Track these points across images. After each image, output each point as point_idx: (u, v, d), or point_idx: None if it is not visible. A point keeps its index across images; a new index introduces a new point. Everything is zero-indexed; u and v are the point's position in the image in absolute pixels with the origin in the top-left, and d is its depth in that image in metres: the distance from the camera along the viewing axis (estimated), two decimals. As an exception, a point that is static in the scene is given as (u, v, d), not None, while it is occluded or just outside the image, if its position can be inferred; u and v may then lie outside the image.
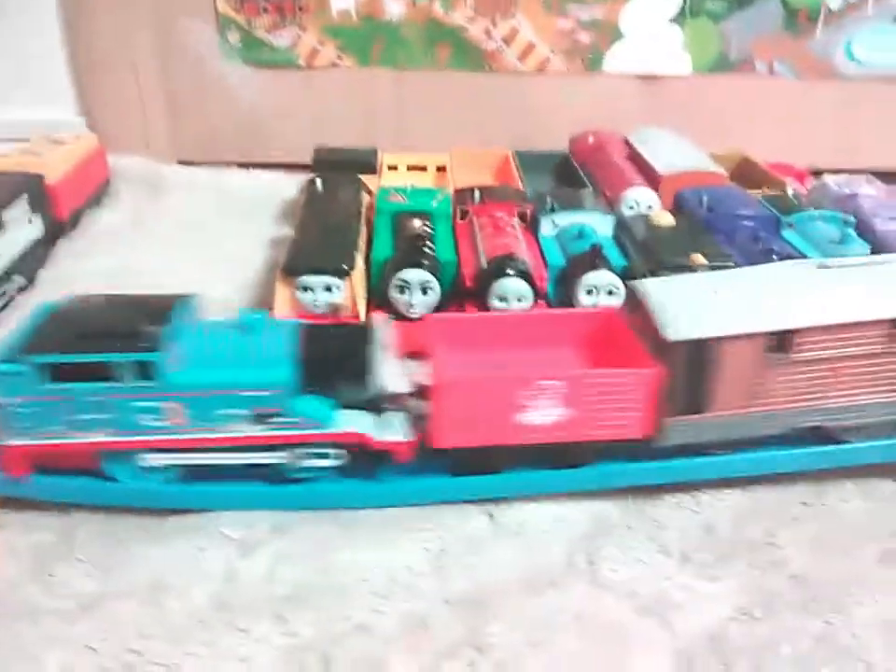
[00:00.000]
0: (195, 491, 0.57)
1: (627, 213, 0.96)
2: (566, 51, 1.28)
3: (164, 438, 0.54)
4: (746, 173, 1.20)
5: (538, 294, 0.77)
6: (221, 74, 1.28)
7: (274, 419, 0.54)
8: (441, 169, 1.12)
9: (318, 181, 0.92)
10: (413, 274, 0.74)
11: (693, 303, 0.56)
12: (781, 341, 0.54)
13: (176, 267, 0.94)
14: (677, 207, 0.97)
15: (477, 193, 0.90)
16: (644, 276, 0.75)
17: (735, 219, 0.88)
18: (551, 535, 0.55)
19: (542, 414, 0.55)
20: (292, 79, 1.29)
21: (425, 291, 0.75)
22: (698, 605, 0.50)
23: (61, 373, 0.51)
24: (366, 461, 0.56)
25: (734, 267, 0.76)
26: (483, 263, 0.77)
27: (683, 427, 0.56)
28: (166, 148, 1.31)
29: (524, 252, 0.80)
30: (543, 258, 0.83)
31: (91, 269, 0.93)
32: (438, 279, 0.76)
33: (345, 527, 0.55)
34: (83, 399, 0.52)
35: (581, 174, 1.09)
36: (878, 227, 0.88)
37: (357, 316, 0.75)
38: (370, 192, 0.96)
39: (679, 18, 1.27)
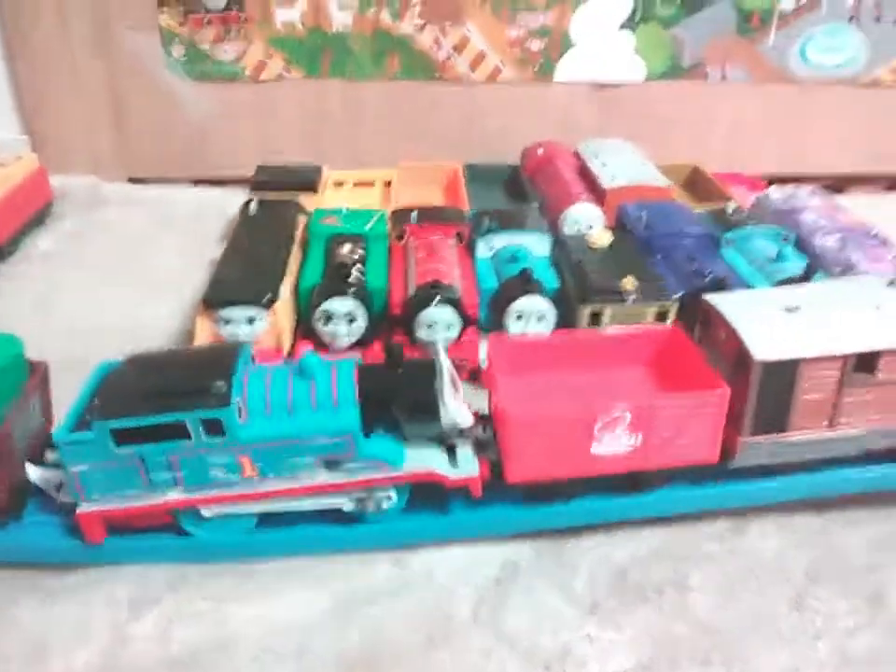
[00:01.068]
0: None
1: (570, 230, 0.95)
2: (517, 60, 1.26)
3: (238, 492, 0.53)
4: (696, 184, 1.19)
5: (468, 321, 0.76)
6: (168, 89, 1.25)
7: (346, 465, 0.53)
8: (389, 185, 1.11)
9: (252, 203, 0.91)
10: (338, 305, 0.72)
11: (773, 322, 0.55)
12: (866, 361, 0.54)
13: (112, 290, 0.93)
14: (619, 223, 0.96)
15: (414, 214, 0.88)
16: (577, 301, 0.76)
17: (671, 238, 0.87)
18: (458, 583, 0.54)
19: (614, 443, 0.54)
20: (239, 93, 1.26)
21: (351, 321, 0.73)
22: (600, 658, 0.49)
23: (130, 436, 0.50)
24: (435, 495, 0.56)
25: (664, 293, 0.75)
26: (411, 290, 0.75)
27: (761, 448, 0.56)
28: (115, 167, 1.29)
29: (455, 277, 0.79)
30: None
31: (22, 291, 0.91)
32: (366, 307, 0.75)
33: (244, 580, 0.54)
34: (154, 460, 0.51)
35: (529, 188, 1.08)
36: (817, 242, 0.87)
37: (279, 349, 0.74)
38: (308, 214, 0.94)
39: (630, 24, 1.25)
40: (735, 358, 0.55)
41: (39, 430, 0.58)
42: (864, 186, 1.50)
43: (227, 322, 0.71)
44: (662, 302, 0.75)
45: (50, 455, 0.56)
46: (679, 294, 0.77)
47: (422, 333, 0.73)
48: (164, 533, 0.55)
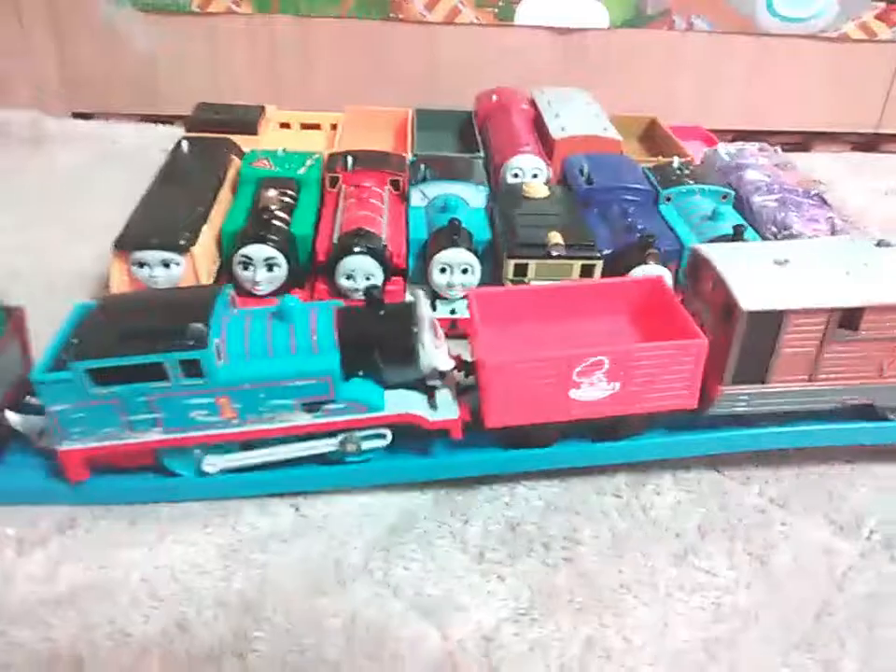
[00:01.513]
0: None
1: (511, 180, 0.94)
2: (476, 1, 1.22)
3: (218, 432, 0.53)
4: (653, 137, 1.17)
5: (392, 271, 0.75)
6: (112, 21, 1.21)
7: (325, 406, 0.54)
8: (336, 127, 1.08)
9: (185, 144, 0.88)
10: (256, 250, 0.71)
11: (761, 273, 0.55)
12: (851, 317, 0.54)
13: (39, 231, 0.91)
14: (563, 175, 0.94)
15: (350, 159, 0.86)
16: (502, 254, 0.75)
17: (609, 192, 0.86)
18: (354, 529, 0.55)
19: (592, 389, 0.55)
20: (187, 26, 1.22)
21: (270, 268, 0.72)
22: (479, 606, 0.50)
23: (108, 376, 0.50)
24: (416, 438, 0.57)
25: (591, 248, 0.74)
26: (335, 238, 0.74)
27: (740, 396, 0.57)
28: (58, 101, 1.25)
29: (383, 225, 0.78)
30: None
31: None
32: (289, 254, 0.73)
33: (136, 523, 0.54)
34: (133, 400, 0.51)
35: (478, 136, 1.05)
36: (755, 202, 0.86)
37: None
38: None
39: (592, -32, 1.21)
40: (721, 308, 0.55)
41: (18, 376, 0.57)
42: (831, 143, 1.49)
43: (141, 265, 0.70)
44: (587, 258, 0.74)
45: (29, 400, 0.56)
46: (609, 251, 0.77)
47: (342, 282, 0.72)
48: (145, 473, 0.56)
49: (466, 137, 1.10)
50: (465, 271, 0.74)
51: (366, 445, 0.56)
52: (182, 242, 0.69)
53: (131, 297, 0.57)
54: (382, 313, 0.55)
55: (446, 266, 0.74)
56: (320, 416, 0.54)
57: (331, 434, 0.55)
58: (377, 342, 0.54)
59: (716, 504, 0.58)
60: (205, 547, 0.53)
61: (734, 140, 1.46)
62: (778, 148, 1.47)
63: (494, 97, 1.14)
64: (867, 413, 0.60)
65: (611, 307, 0.63)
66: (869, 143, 1.49)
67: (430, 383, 0.56)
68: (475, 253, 0.75)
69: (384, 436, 0.56)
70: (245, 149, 0.91)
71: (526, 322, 0.61)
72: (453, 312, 0.75)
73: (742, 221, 0.80)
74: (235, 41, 1.24)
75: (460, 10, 1.23)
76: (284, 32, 1.23)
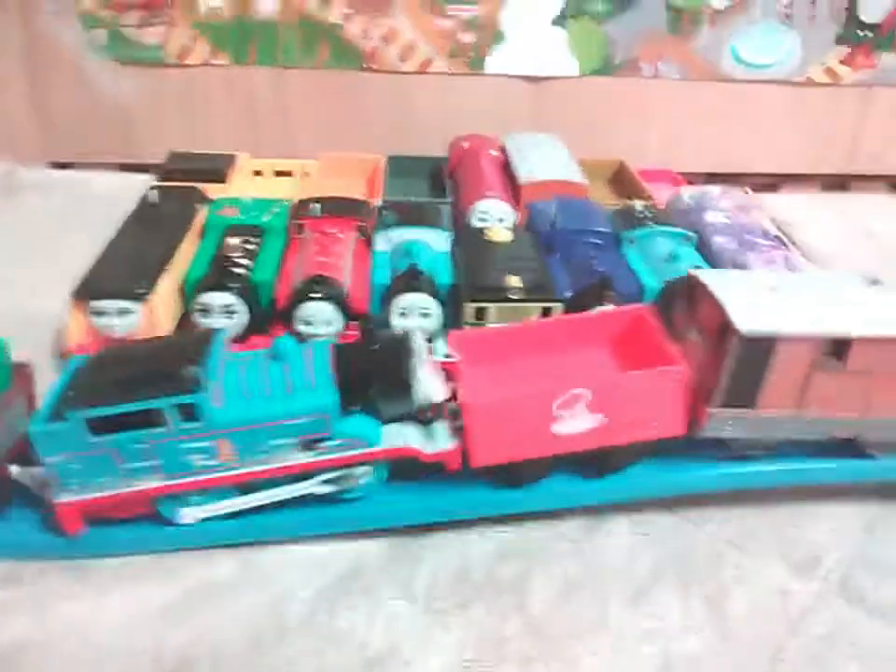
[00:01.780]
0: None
1: (478, 225, 0.95)
2: (448, 52, 1.25)
3: (217, 476, 0.53)
4: (621, 181, 1.19)
5: (352, 317, 0.75)
6: (91, 73, 1.23)
7: (322, 444, 0.54)
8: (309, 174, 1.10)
9: (152, 193, 0.89)
10: (213, 298, 0.72)
11: (756, 299, 0.56)
12: (839, 348, 0.55)
13: (9, 278, 0.91)
14: (530, 219, 0.96)
15: (316, 206, 0.87)
16: (462, 298, 0.75)
17: (572, 235, 0.87)
18: (301, 580, 0.54)
19: (575, 422, 0.55)
20: (165, 78, 1.25)
21: (229, 315, 0.73)
22: (424, 659, 0.49)
23: (105, 425, 0.50)
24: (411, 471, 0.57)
25: (550, 291, 0.75)
26: (295, 284, 0.75)
27: (728, 421, 0.57)
28: (36, 151, 1.26)
29: (345, 271, 0.78)
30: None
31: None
32: (250, 301, 0.74)
33: (79, 578, 0.53)
34: (131, 448, 0.51)
35: (447, 182, 1.07)
36: (714, 243, 0.87)
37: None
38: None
39: (561, 19, 1.24)
40: (716, 331, 0.56)
41: (24, 430, 0.56)
42: (802, 184, 1.51)
43: (99, 314, 0.70)
44: (546, 301, 0.74)
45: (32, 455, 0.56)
46: (569, 293, 0.78)
47: (301, 328, 0.72)
48: (145, 523, 0.55)
49: (438, 183, 1.12)
50: (424, 315, 0.74)
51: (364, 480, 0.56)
52: (139, 290, 0.70)
53: (127, 347, 0.58)
54: (377, 347, 0.56)
55: (405, 310, 0.74)
56: (318, 454, 0.54)
57: (319, 473, 0.55)
58: (373, 376, 0.55)
59: (670, 546, 0.58)
60: (147, 602, 0.52)
61: (706, 182, 1.49)
62: (748, 189, 1.50)
63: (465, 144, 1.16)
64: (843, 449, 0.60)
65: (594, 339, 0.63)
66: (840, 183, 1.51)
67: (426, 415, 0.57)
68: (437, 297, 0.76)
69: (376, 471, 0.56)
70: (215, 198, 0.92)
71: (510, 360, 0.62)
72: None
73: (700, 262, 0.81)
74: (213, 92, 1.26)
75: (432, 60, 1.26)
76: (261, 82, 1.26)
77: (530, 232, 0.89)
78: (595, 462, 0.59)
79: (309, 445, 0.54)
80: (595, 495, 0.60)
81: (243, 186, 1.03)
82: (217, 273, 0.73)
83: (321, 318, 0.72)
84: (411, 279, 0.75)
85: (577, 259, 0.83)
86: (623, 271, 0.82)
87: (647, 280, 0.81)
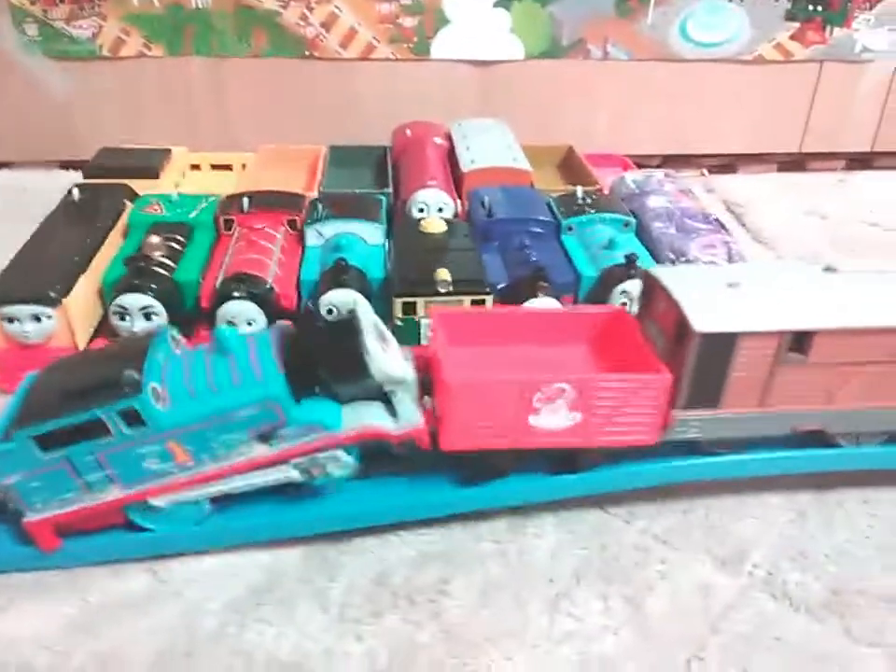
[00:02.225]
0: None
1: (417, 216, 0.92)
2: (390, 37, 1.22)
3: (177, 479, 0.51)
4: (570, 165, 1.17)
5: (279, 315, 0.73)
6: (25, 68, 1.19)
7: (279, 433, 0.51)
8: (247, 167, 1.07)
9: (75, 191, 0.86)
10: (131, 300, 0.69)
11: (714, 296, 0.55)
12: (800, 341, 0.54)
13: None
14: (469, 209, 0.94)
15: (245, 200, 0.85)
16: (390, 292, 0.73)
17: (509, 225, 0.85)
18: (213, 592, 0.52)
19: (554, 417, 0.53)
20: (100, 72, 1.21)
21: (148, 317, 0.70)
22: (333, 670, 0.47)
23: (53, 440, 0.48)
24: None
25: (480, 283, 0.73)
26: (217, 283, 0.72)
27: (692, 423, 0.55)
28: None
29: (270, 268, 0.76)
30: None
31: None
32: (170, 302, 0.71)
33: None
34: (82, 460, 0.49)
35: (389, 171, 1.05)
36: (654, 228, 0.86)
37: (75, 347, 0.70)
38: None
39: (505, 1, 1.21)
40: (674, 331, 0.54)
41: None
42: (758, 164, 1.50)
43: (10, 320, 0.67)
44: (476, 293, 0.72)
45: None
46: (503, 284, 0.76)
47: (223, 328, 0.70)
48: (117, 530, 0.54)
49: (382, 173, 1.09)
50: (352, 312, 0.72)
51: (332, 468, 0.53)
52: (52, 294, 0.67)
53: (74, 357, 0.56)
54: (322, 325, 0.53)
55: (333, 307, 0.72)
56: (276, 444, 0.52)
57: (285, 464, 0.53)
58: (321, 357, 0.52)
59: (596, 545, 0.57)
60: (50, 618, 0.50)
61: (662, 165, 1.48)
62: (705, 171, 1.49)
63: (408, 132, 1.14)
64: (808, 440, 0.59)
65: (574, 335, 0.61)
66: (796, 162, 1.50)
67: (388, 389, 0.53)
68: (366, 292, 0.73)
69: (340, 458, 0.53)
70: (146, 194, 0.89)
71: (489, 345, 0.60)
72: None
73: (634, 249, 0.80)
74: (149, 85, 1.22)
75: (375, 46, 1.23)
76: (198, 73, 1.22)
77: (467, 222, 0.88)
78: (563, 461, 0.57)
79: (265, 437, 0.51)
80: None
81: (177, 181, 1.01)
82: (135, 274, 0.70)
83: (244, 318, 0.70)
84: (339, 274, 0.73)
85: (512, 249, 0.82)
86: (558, 260, 0.80)
87: (583, 269, 0.79)
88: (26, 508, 0.51)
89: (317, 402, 0.53)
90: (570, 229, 0.86)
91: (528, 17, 1.23)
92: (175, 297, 0.72)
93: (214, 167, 1.09)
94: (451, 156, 1.09)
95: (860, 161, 1.51)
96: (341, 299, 0.72)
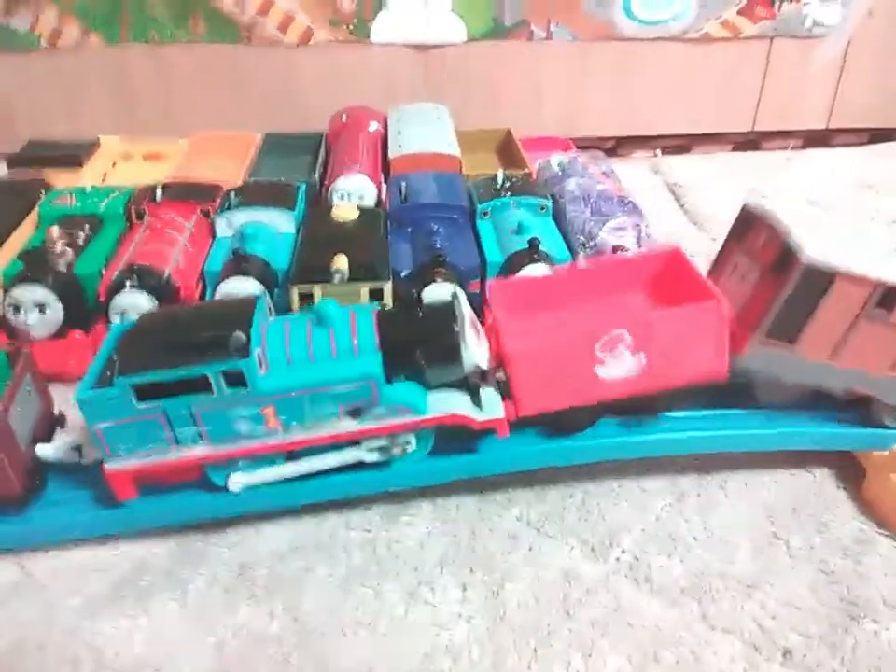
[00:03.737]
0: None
1: (338, 203, 0.92)
2: (328, 21, 1.21)
3: (264, 443, 0.52)
4: (507, 150, 1.16)
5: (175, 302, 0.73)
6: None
7: (369, 411, 0.52)
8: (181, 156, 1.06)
9: (-10, 184, 0.86)
10: (23, 293, 0.69)
11: (821, 232, 0.55)
12: (889, 297, 0.54)
13: None
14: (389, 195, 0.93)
15: (159, 191, 0.85)
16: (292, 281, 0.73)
17: (420, 211, 0.84)
18: (77, 586, 0.53)
19: (618, 365, 0.54)
20: (40, 63, 1.20)
21: (42, 310, 0.70)
22: (180, 664, 0.47)
23: (151, 391, 0.49)
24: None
25: (377, 271, 0.72)
26: (114, 275, 0.72)
27: (767, 356, 0.56)
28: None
29: (172, 259, 0.76)
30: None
31: None
32: (65, 294, 0.71)
33: None
34: (177, 414, 0.50)
35: (320, 158, 1.04)
36: (569, 211, 0.85)
37: (-31, 342, 0.70)
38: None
39: (442, -18, 1.20)
40: (773, 260, 0.55)
41: (41, 412, 0.57)
42: (713, 144, 1.48)
43: None
44: (374, 281, 0.72)
45: (60, 434, 0.57)
46: (407, 271, 0.76)
47: (117, 321, 0.70)
48: (190, 489, 0.55)
49: (315, 161, 1.09)
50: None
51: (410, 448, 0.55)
52: (-58, 289, 0.67)
53: (169, 312, 0.58)
54: (422, 313, 0.55)
55: (228, 295, 0.72)
56: (365, 421, 0.53)
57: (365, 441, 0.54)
58: (419, 343, 0.53)
59: (468, 531, 0.57)
60: None
61: (615, 147, 1.46)
62: (658, 152, 1.48)
63: (343, 118, 1.13)
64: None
65: (631, 283, 0.61)
66: (752, 141, 1.48)
67: (473, 381, 0.55)
68: (267, 281, 0.73)
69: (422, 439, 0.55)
70: (70, 185, 0.89)
71: (548, 308, 0.60)
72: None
73: (544, 233, 0.79)
74: (89, 74, 1.22)
75: (313, 30, 1.22)
76: (137, 61, 1.22)
77: (381, 209, 0.87)
78: (638, 410, 0.58)
79: (355, 413, 0.53)
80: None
81: (106, 171, 1.01)
82: (30, 267, 0.70)
83: (137, 310, 0.70)
84: (239, 263, 0.73)
85: (422, 235, 0.81)
86: (466, 246, 0.80)
87: (490, 254, 0.79)
88: (109, 455, 0.51)
89: (407, 385, 0.54)
90: (486, 214, 0.86)
91: (468, -2, 1.22)
92: (73, 289, 0.72)
93: (146, 156, 1.08)
94: (386, 142, 1.08)
95: (817, 139, 1.49)
96: (239, 287, 0.72)
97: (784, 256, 0.54)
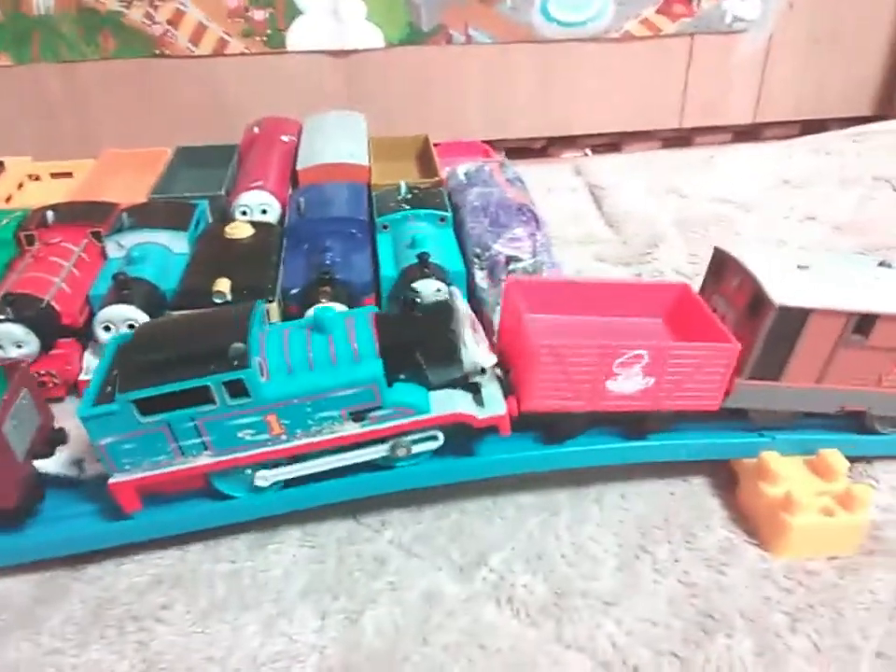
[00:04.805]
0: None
1: (241, 219, 0.91)
2: (241, 31, 1.20)
3: (268, 450, 0.53)
4: (424, 157, 1.15)
5: (64, 332, 0.72)
6: None
7: (372, 414, 0.53)
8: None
9: None
10: None
11: (787, 275, 0.58)
12: (864, 324, 0.57)
13: None
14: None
15: (50, 214, 0.83)
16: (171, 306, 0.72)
17: (317, 225, 0.83)
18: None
19: (628, 382, 0.56)
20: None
21: None
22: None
23: (154, 404, 0.50)
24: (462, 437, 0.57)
25: (261, 292, 0.71)
26: (-7, 306, 0.71)
27: (755, 392, 0.59)
28: None
29: (54, 286, 0.74)
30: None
31: None
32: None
33: None
34: (181, 426, 0.51)
35: (229, 173, 1.03)
36: (467, 222, 0.84)
37: None
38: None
39: (356, -11, 1.19)
40: (748, 304, 0.58)
41: (40, 426, 0.57)
42: (644, 142, 1.48)
43: None
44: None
45: (60, 449, 0.57)
46: (297, 289, 0.75)
47: (-6, 352, 0.69)
48: (196, 499, 0.56)
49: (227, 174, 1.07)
50: (130, 326, 0.71)
51: (417, 448, 0.56)
52: None
53: (165, 323, 0.58)
54: (420, 314, 0.55)
55: (109, 324, 0.70)
56: (368, 424, 0.53)
57: (380, 441, 0.55)
58: (419, 344, 0.54)
59: (335, 558, 0.56)
60: None
61: (544, 148, 1.46)
62: (588, 151, 1.47)
63: (255, 129, 1.12)
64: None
65: (644, 307, 0.65)
66: (683, 138, 1.49)
67: (474, 380, 0.56)
68: (154, 306, 0.72)
69: (435, 437, 0.55)
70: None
71: (562, 313, 0.63)
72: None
73: (440, 246, 0.79)
74: (2, 96, 1.20)
75: (227, 41, 1.21)
76: (49, 80, 1.20)
77: (278, 225, 0.86)
78: (632, 425, 0.60)
79: (358, 416, 0.53)
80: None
81: (7, 194, 0.99)
82: None
83: (9, 340, 0.68)
84: (120, 289, 0.72)
85: (317, 251, 0.80)
86: (360, 261, 0.79)
87: (385, 269, 0.78)
88: (114, 469, 0.52)
89: (407, 385, 0.55)
90: (385, 227, 0.85)
91: (383, 3, 1.21)
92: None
93: (54, 176, 1.07)
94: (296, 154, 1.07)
95: (747, 133, 1.50)
96: (117, 314, 0.70)
97: (756, 300, 0.57)
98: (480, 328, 0.56)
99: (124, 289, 0.72)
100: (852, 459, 0.60)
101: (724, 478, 0.62)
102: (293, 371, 0.52)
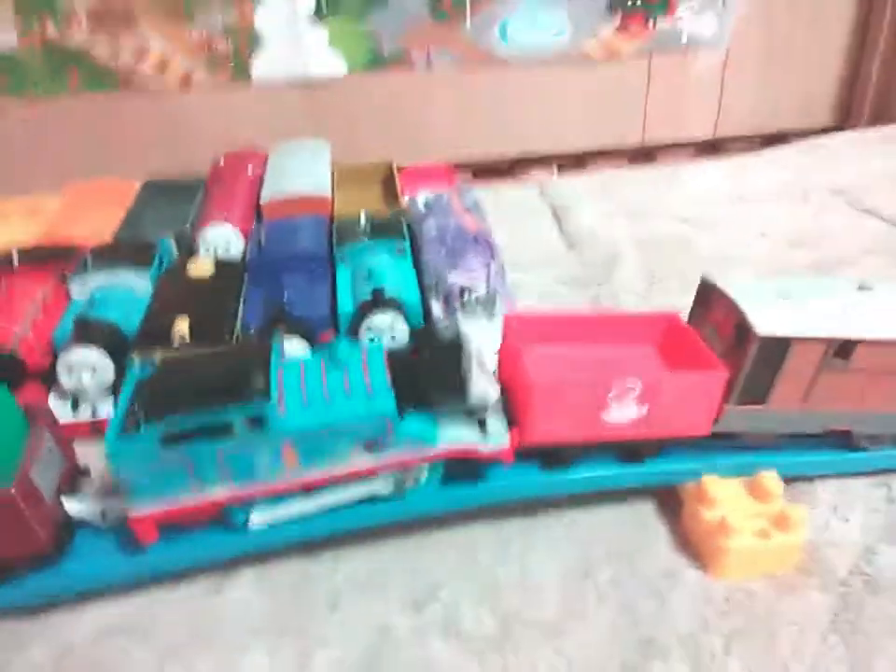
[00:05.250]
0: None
1: (204, 256, 0.92)
2: (206, 62, 1.22)
3: (284, 481, 0.55)
4: (389, 184, 1.17)
5: (30, 375, 0.74)
6: None
7: (383, 445, 0.55)
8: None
9: None
10: None
11: (769, 304, 0.60)
12: (844, 348, 0.59)
13: None
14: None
15: (15, 256, 0.84)
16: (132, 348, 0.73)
17: (276, 262, 0.85)
18: None
19: (623, 412, 0.59)
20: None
21: None
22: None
23: (175, 437, 0.51)
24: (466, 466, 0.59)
25: (219, 334, 0.73)
26: (-45, 354, 0.72)
27: (743, 416, 0.61)
28: None
29: (17, 331, 0.75)
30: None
31: None
32: None
33: None
34: (200, 458, 0.52)
35: (194, 208, 1.04)
36: (424, 252, 0.86)
37: None
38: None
39: (316, 18, 1.21)
40: (733, 334, 0.60)
41: (64, 465, 0.58)
42: (609, 160, 1.51)
43: None
44: (218, 343, 0.73)
45: (85, 486, 0.59)
46: (253, 329, 0.76)
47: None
48: (211, 531, 0.57)
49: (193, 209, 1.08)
50: (95, 370, 0.72)
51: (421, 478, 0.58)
52: None
53: (187, 358, 0.59)
54: (431, 351, 0.58)
55: (71, 367, 0.72)
56: (378, 455, 0.55)
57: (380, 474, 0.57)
58: (429, 380, 0.56)
59: (287, 598, 0.58)
60: None
61: (511, 167, 1.49)
62: (555, 170, 1.50)
63: (220, 162, 1.13)
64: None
65: (636, 337, 0.68)
66: (648, 154, 1.52)
67: (479, 412, 0.58)
68: (115, 348, 0.74)
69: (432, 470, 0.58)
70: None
71: (559, 343, 0.66)
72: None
73: (389, 279, 0.80)
74: (-34, 131, 1.21)
75: (192, 73, 1.22)
76: (14, 116, 1.21)
77: (239, 262, 0.88)
78: (628, 452, 0.63)
79: (369, 447, 0.55)
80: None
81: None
82: None
83: (-27, 388, 0.70)
84: (80, 332, 0.73)
85: (273, 288, 0.82)
86: (317, 296, 0.81)
87: (342, 304, 0.79)
88: (134, 502, 0.53)
89: (418, 417, 0.57)
90: (342, 259, 0.87)
91: (344, 31, 1.23)
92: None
93: (22, 215, 1.08)
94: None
95: (709, 148, 1.53)
96: (79, 358, 0.72)
97: (741, 329, 0.59)
98: (487, 363, 0.59)
99: (83, 332, 0.73)
100: (790, 480, 0.62)
101: (672, 503, 0.64)
102: (309, 404, 0.54)
